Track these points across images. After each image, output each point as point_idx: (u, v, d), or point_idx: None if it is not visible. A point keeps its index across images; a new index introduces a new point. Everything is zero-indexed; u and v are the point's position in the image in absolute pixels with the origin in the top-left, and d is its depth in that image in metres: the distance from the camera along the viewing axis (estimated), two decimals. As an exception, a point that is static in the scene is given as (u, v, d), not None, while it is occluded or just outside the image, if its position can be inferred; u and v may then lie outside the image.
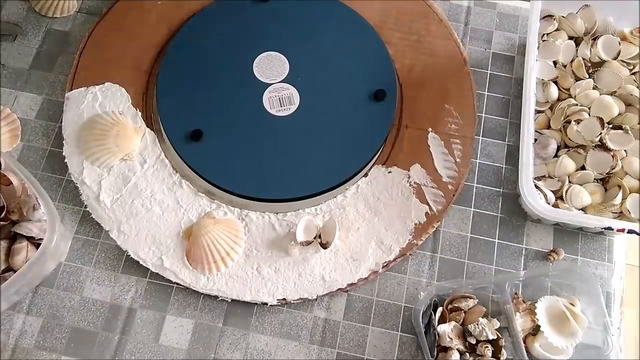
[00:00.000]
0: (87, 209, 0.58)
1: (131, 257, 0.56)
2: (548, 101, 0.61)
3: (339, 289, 0.55)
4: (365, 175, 0.59)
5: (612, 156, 0.56)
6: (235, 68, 0.62)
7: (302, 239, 0.55)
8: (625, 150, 0.58)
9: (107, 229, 0.57)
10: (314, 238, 0.55)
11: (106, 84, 0.62)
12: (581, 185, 0.57)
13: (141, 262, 0.56)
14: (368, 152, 0.59)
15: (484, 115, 0.63)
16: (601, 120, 0.57)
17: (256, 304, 0.55)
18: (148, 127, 0.61)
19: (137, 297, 0.55)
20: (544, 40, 0.63)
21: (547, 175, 0.58)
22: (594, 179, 0.57)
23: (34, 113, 0.62)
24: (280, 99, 0.61)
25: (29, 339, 0.54)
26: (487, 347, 0.52)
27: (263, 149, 0.59)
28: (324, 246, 0.55)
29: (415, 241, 0.57)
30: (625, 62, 0.61)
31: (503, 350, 0.52)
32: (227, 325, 0.55)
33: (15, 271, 0.51)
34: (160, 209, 0.57)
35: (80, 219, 0.58)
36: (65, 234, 0.57)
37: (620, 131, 0.57)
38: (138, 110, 0.61)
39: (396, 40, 0.65)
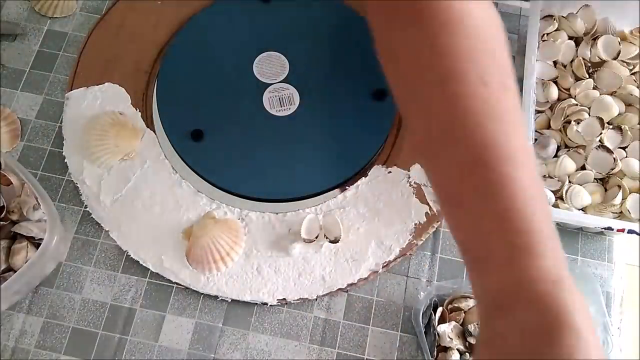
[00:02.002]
0: (87, 209, 0.58)
1: (131, 257, 0.56)
2: (548, 101, 0.61)
3: (339, 289, 0.55)
4: (365, 175, 0.59)
5: (614, 159, 0.56)
6: (235, 68, 0.62)
7: (306, 236, 0.55)
8: (625, 150, 0.58)
9: (107, 229, 0.57)
10: (316, 237, 0.55)
11: (106, 84, 0.62)
12: (581, 185, 0.57)
13: (141, 262, 0.56)
14: (368, 152, 0.59)
15: (484, 115, 0.63)
16: (601, 120, 0.57)
17: (256, 304, 0.55)
18: (148, 127, 0.61)
19: (137, 297, 0.56)
20: (544, 40, 0.63)
21: (547, 175, 0.58)
22: (594, 179, 0.57)
23: (34, 113, 0.62)
24: (280, 99, 0.61)
25: (29, 339, 0.54)
26: (487, 347, 0.51)
27: (263, 149, 0.59)
28: (335, 242, 0.55)
29: (415, 241, 0.57)
30: (625, 62, 0.61)
31: (503, 350, 0.52)
32: (227, 325, 0.55)
33: (15, 271, 0.51)
34: (160, 209, 0.57)
35: (80, 219, 0.58)
36: (65, 234, 0.57)
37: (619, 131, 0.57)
38: (138, 110, 0.61)
39: (396, 40, 0.64)
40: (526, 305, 0.31)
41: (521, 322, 0.31)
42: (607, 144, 0.57)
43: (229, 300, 0.55)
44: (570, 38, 0.63)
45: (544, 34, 0.63)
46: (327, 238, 0.56)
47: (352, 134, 0.60)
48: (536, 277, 0.31)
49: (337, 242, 0.55)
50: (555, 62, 0.62)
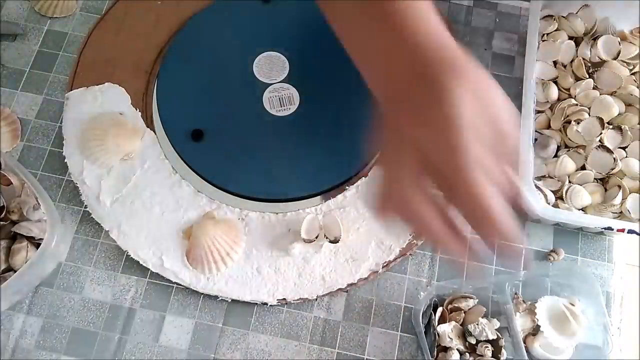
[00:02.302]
0: (87, 209, 0.58)
1: (131, 257, 0.56)
2: (548, 101, 0.61)
3: (339, 289, 0.55)
4: (365, 175, 0.59)
5: (614, 159, 0.56)
6: (235, 68, 0.62)
7: (306, 236, 0.55)
8: (625, 150, 0.58)
9: (107, 229, 0.57)
10: (316, 237, 0.56)
11: (106, 84, 0.62)
12: (581, 185, 0.57)
13: (141, 262, 0.56)
14: (368, 152, 0.59)
15: (484, 115, 0.63)
16: (601, 120, 0.57)
17: (256, 304, 0.55)
18: (148, 127, 0.61)
19: (137, 297, 0.56)
20: (544, 40, 0.63)
21: (547, 175, 0.58)
22: (594, 179, 0.57)
23: (34, 113, 0.62)
24: (280, 99, 0.61)
25: (29, 339, 0.54)
26: (487, 347, 0.52)
27: (263, 149, 0.59)
28: (335, 242, 0.55)
29: (415, 241, 0.57)
30: (625, 62, 0.61)
31: (503, 350, 0.52)
32: (227, 325, 0.55)
33: (15, 271, 0.51)
34: (160, 209, 0.57)
35: (80, 219, 0.58)
36: (65, 234, 0.57)
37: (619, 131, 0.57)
38: (138, 110, 0.61)
39: (396, 40, 0.64)
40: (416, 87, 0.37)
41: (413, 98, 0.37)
42: (607, 144, 0.57)
43: (229, 300, 0.55)
44: (570, 38, 0.63)
45: (544, 34, 0.63)
46: (327, 238, 0.56)
47: (352, 133, 0.59)
48: (420, 46, 0.38)
49: (337, 242, 0.55)
50: (555, 62, 0.62)
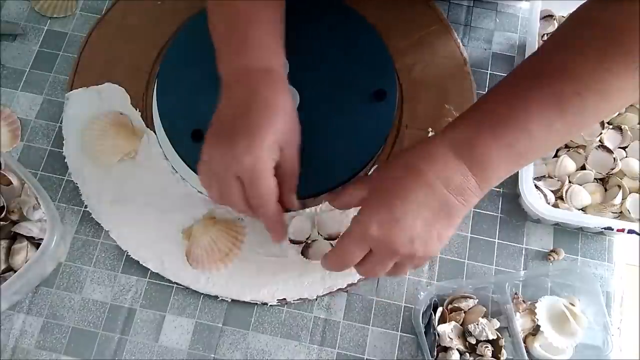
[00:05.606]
0: (87, 209, 0.58)
1: (131, 257, 0.56)
2: (548, 101, 0.61)
3: (339, 289, 0.55)
4: (366, 175, 0.59)
5: (614, 159, 0.56)
6: (235, 68, 0.62)
7: (293, 237, 0.55)
8: (625, 150, 0.58)
9: (107, 229, 0.57)
10: (307, 238, 0.56)
11: (106, 84, 0.62)
12: (581, 185, 0.57)
13: (141, 262, 0.56)
14: (368, 152, 0.59)
15: (484, 115, 0.63)
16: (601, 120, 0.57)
17: (256, 304, 0.55)
18: (148, 127, 0.61)
19: (137, 297, 0.56)
20: (543, 40, 0.63)
21: (547, 175, 0.58)
22: (594, 179, 0.57)
23: (34, 113, 0.62)
24: (280, 99, 0.60)
25: (29, 339, 0.54)
26: (487, 347, 0.52)
27: (263, 149, 0.59)
28: (330, 239, 0.55)
29: (415, 241, 0.57)
30: (625, 62, 0.61)
31: (503, 350, 0.52)
32: (227, 325, 0.55)
33: (15, 271, 0.51)
34: (160, 209, 0.57)
35: (80, 219, 0.58)
36: (65, 234, 0.57)
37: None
38: (138, 110, 0.61)
39: (396, 40, 0.65)
40: (238, 86, 0.49)
41: (234, 96, 0.49)
42: (607, 144, 0.57)
43: (229, 300, 0.55)
44: (570, 38, 0.63)
45: (543, 34, 0.63)
46: (321, 236, 0.56)
47: (352, 134, 0.59)
48: (248, 65, 0.49)
49: (333, 239, 0.55)
50: (555, 62, 0.62)
